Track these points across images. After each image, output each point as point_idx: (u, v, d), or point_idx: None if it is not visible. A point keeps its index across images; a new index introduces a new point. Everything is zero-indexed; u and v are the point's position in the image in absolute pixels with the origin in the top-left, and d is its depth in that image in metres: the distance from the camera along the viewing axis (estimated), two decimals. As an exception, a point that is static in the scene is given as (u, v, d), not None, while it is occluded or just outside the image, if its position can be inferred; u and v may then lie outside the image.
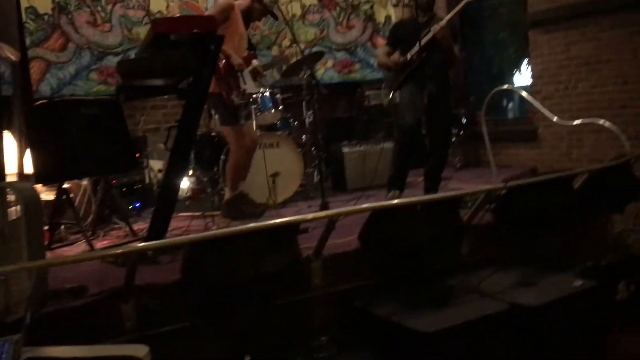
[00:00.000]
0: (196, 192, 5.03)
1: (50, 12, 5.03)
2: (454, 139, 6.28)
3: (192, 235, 2.75)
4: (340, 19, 6.87)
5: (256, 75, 4.27)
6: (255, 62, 4.64)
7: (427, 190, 4.15)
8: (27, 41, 4.92)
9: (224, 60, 3.85)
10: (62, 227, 3.85)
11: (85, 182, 4.22)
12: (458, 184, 5.20)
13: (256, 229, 2.43)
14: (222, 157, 4.67)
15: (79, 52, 5.18)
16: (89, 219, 4.06)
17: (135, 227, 4.02)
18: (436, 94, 4.03)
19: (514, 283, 3.04)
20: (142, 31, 5.33)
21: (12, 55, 2.80)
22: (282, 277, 2.57)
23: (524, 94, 4.82)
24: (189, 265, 2.45)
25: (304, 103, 5.36)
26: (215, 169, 4.83)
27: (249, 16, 4.24)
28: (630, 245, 5.12)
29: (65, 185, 3.75)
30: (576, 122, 4.82)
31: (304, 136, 5.49)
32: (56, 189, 3.64)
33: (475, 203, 3.16)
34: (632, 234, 5.15)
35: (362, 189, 4.89)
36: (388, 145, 5.09)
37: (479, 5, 6.97)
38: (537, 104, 4.54)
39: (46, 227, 3.59)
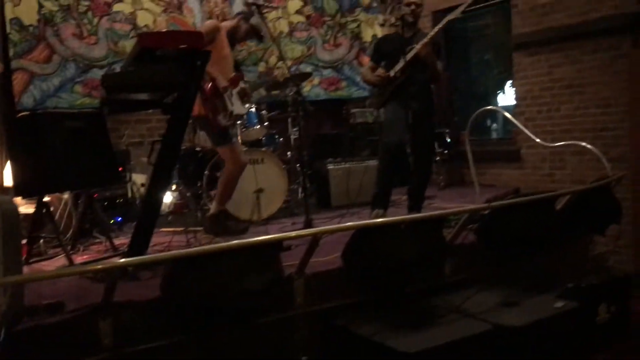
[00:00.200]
0: (179, 207, 5.01)
1: (35, 23, 4.99)
2: (438, 158, 6.33)
3: (173, 252, 2.72)
4: (328, 37, 6.92)
5: (244, 96, 4.27)
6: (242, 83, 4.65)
7: (411, 209, 4.16)
8: (11, 52, 4.88)
9: (210, 83, 3.85)
10: (42, 241, 3.78)
11: (66, 195, 4.16)
12: (442, 203, 5.23)
13: (238, 246, 2.41)
14: (206, 172, 4.65)
15: (64, 64, 5.14)
16: (69, 233, 3.99)
17: (117, 241, 3.97)
18: (420, 111, 4.05)
19: (496, 303, 3.05)
20: (129, 44, 5.32)
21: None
22: (264, 295, 2.53)
23: (507, 115, 4.88)
24: (169, 282, 2.42)
25: (289, 119, 5.37)
26: (199, 184, 4.81)
27: (235, 36, 4.25)
28: (611, 267, 5.16)
29: (46, 199, 3.69)
30: (558, 144, 4.88)
31: (289, 153, 5.49)
32: (36, 202, 3.58)
33: (459, 223, 3.17)
34: (613, 255, 5.20)
35: (347, 207, 4.89)
36: (373, 162, 5.11)
37: (464, 26, 7.08)
38: (520, 125, 4.59)
39: (25, 241, 3.53)
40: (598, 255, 4.75)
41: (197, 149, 4.92)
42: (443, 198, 5.57)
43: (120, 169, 4.88)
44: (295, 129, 5.21)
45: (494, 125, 7.11)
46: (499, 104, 6.92)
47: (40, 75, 5.04)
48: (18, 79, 4.92)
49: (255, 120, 4.93)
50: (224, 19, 5.22)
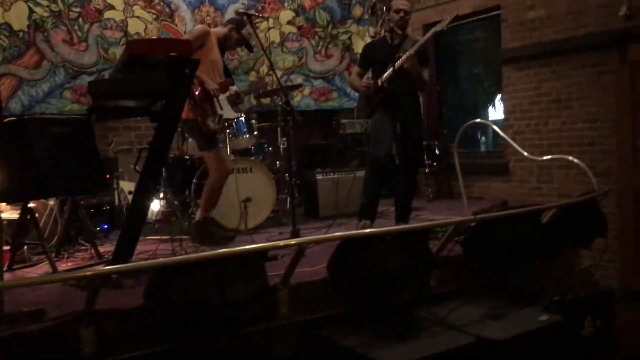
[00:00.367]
0: (166, 215, 4.97)
1: (25, 29, 4.97)
2: (427, 170, 6.36)
3: (155, 260, 2.70)
4: (319, 48, 6.94)
5: (235, 100, 4.27)
6: (233, 88, 4.64)
7: (398, 220, 4.16)
8: (0, 57, 4.87)
9: (199, 87, 3.85)
10: (25, 247, 3.74)
11: (52, 201, 4.13)
12: (430, 215, 5.24)
13: (222, 255, 2.39)
14: (195, 180, 4.64)
15: (54, 70, 5.12)
16: (54, 240, 3.96)
17: (103, 249, 3.95)
18: (408, 122, 4.05)
19: (481, 316, 3.05)
20: (119, 51, 5.30)
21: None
22: (248, 305, 2.52)
23: (495, 128, 4.91)
24: (152, 290, 2.40)
25: (279, 129, 5.37)
26: (187, 192, 4.79)
27: (225, 44, 4.26)
28: (597, 281, 5.18)
29: (31, 205, 3.66)
30: (545, 157, 4.91)
31: (278, 162, 5.49)
32: (21, 208, 3.55)
33: (445, 235, 3.17)
34: (599, 269, 5.22)
35: (335, 217, 4.88)
36: (361, 173, 5.11)
37: (455, 39, 7.13)
38: (507, 138, 4.62)
39: (8, 247, 3.50)
40: (584, 269, 4.77)
41: (186, 157, 4.91)
42: (431, 210, 5.59)
43: (107, 176, 4.87)
44: (284, 139, 5.21)
45: (483, 138, 7.15)
46: (490, 118, 6.97)
47: (29, 81, 5.02)
48: (6, 84, 4.89)
49: (245, 129, 4.92)
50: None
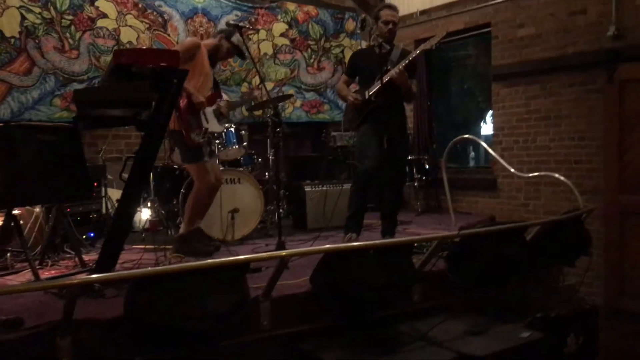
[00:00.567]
0: (154, 225, 4.96)
1: (17, 35, 4.98)
2: (416, 184, 6.38)
3: (135, 270, 2.69)
4: (312, 60, 6.99)
5: (220, 115, 4.27)
6: (225, 97, 4.65)
7: (384, 233, 4.16)
8: (-11, 63, 4.88)
9: (185, 99, 3.85)
10: (9, 254, 3.72)
11: (37, 209, 4.11)
12: (417, 229, 5.25)
13: (203, 266, 2.39)
14: (182, 190, 4.63)
15: (44, 77, 5.12)
16: (39, 247, 3.94)
17: (88, 257, 3.92)
18: (395, 135, 4.04)
19: (463, 332, 3.04)
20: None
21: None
22: (229, 317, 2.51)
23: (482, 144, 4.94)
24: (132, 300, 2.38)
25: (268, 140, 5.38)
26: (175, 202, 4.79)
27: (217, 55, 4.24)
28: (582, 298, 5.20)
29: (16, 211, 3.64)
30: (532, 174, 4.94)
31: (267, 173, 5.50)
32: (4, 215, 3.53)
33: (429, 250, 3.18)
34: (585, 286, 5.24)
35: (322, 229, 4.87)
36: (349, 186, 5.11)
37: (446, 55, 7.19)
38: (494, 154, 4.65)
39: (-9, 254, 3.48)
40: (569, 286, 4.78)
41: (174, 166, 4.91)
42: (419, 224, 5.60)
43: (95, 184, 4.86)
44: (273, 150, 5.21)
45: (473, 154, 7.20)
46: (482, 133, 7.02)
47: (19, 87, 5.02)
48: (-5, 91, 4.90)
49: (234, 140, 4.94)
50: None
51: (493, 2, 6.13)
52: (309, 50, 6.96)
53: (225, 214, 4.52)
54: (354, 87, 4.46)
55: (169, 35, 5.84)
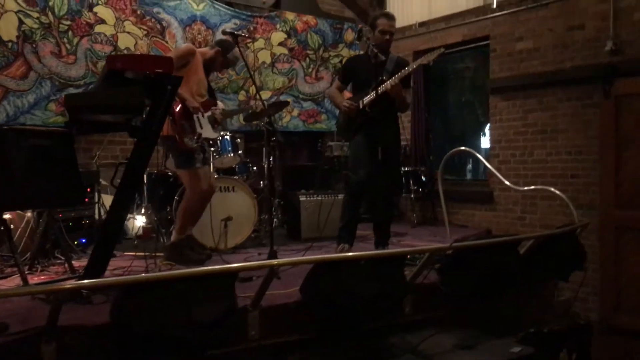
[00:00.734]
0: (147, 232, 4.93)
1: (14, 39, 4.97)
2: (412, 196, 6.36)
3: (122, 277, 2.66)
4: (310, 70, 6.99)
5: (214, 122, 4.26)
6: (221, 104, 4.63)
7: (377, 245, 4.14)
8: (-14, 67, 4.87)
9: (179, 105, 3.84)
10: (-2, 258, 3.70)
11: (29, 213, 4.08)
12: (412, 241, 5.23)
13: (190, 275, 2.36)
14: (176, 197, 4.61)
15: (40, 82, 5.10)
16: (29, 253, 3.91)
17: (78, 263, 3.90)
18: (387, 147, 4.00)
19: (453, 345, 3.02)
20: (108, 66, 5.30)
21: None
22: (216, 325, 2.48)
23: (479, 156, 4.93)
24: (119, 307, 2.35)
25: (264, 149, 5.37)
26: (168, 209, 4.76)
27: (211, 66, 4.26)
28: (577, 314, 5.17)
29: (7, 216, 3.62)
30: (527, 187, 4.93)
31: (261, 182, 5.48)
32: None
33: (421, 262, 3.15)
34: (580, 302, 5.22)
35: (316, 239, 4.85)
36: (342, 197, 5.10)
37: (444, 67, 7.20)
38: (490, 166, 4.64)
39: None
40: (564, 301, 4.76)
41: (169, 173, 4.89)
42: (414, 235, 5.58)
43: (88, 189, 4.84)
44: (269, 159, 5.20)
45: (471, 166, 7.17)
46: (481, 146, 7.01)
47: (15, 91, 5.00)
48: (-8, 94, 4.89)
49: (229, 148, 4.93)
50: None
51: (492, 15, 6.14)
52: (308, 59, 6.96)
53: (218, 222, 4.49)
54: (345, 94, 4.45)
55: (167, 42, 5.84)
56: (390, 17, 4.15)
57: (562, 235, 3.81)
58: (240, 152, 5.04)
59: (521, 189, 5.11)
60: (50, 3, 5.15)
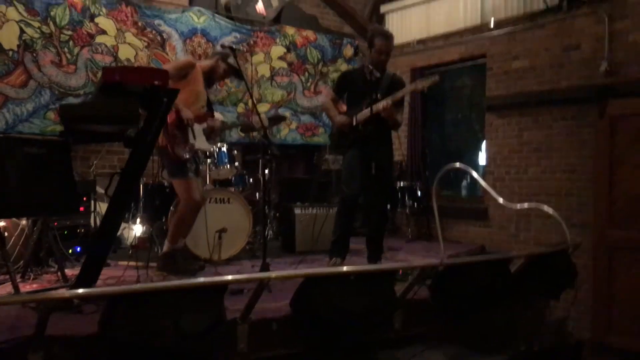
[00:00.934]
0: (142, 242, 4.94)
1: (15, 48, 5.02)
2: (407, 211, 6.37)
3: (111, 287, 2.67)
4: (308, 84, 7.04)
5: (210, 134, 4.28)
6: (220, 116, 4.66)
7: (370, 259, 4.14)
8: (-14, 75, 4.91)
9: (174, 115, 3.87)
10: (-9, 266, 3.70)
11: (24, 221, 4.10)
12: (406, 256, 5.24)
13: (178, 286, 2.38)
14: (172, 208, 4.63)
15: (39, 91, 5.14)
16: (22, 261, 3.92)
17: (72, 272, 3.89)
18: (380, 162, 4.01)
19: (441, 362, 3.02)
20: (108, 76, 5.34)
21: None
22: (203, 337, 2.49)
23: (473, 173, 4.94)
24: (107, 317, 2.37)
25: (260, 161, 5.39)
26: (164, 220, 4.78)
27: (213, 76, 4.27)
28: (570, 332, 5.16)
29: (1, 224, 3.64)
30: (519, 205, 4.94)
31: (257, 194, 5.50)
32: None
33: (411, 277, 3.16)
34: (573, 321, 5.21)
35: (310, 252, 4.86)
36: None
37: (442, 84, 7.23)
38: (483, 183, 4.64)
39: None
40: (556, 320, 4.75)
41: (165, 184, 4.92)
42: (408, 250, 5.58)
43: (85, 198, 4.86)
44: (264, 171, 5.22)
45: (468, 182, 7.19)
46: (479, 163, 7.03)
47: (14, 100, 5.04)
48: (-8, 102, 4.93)
49: (226, 160, 4.95)
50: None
51: (489, 34, 6.20)
52: (306, 74, 7.01)
53: (212, 234, 4.50)
54: (341, 106, 4.48)
55: (167, 54, 5.89)
56: (388, 37, 4.16)
57: (552, 253, 3.82)
58: (236, 163, 5.07)
59: (514, 206, 5.12)
60: (52, 13, 5.21)
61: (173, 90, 3.08)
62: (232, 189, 5.04)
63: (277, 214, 5.87)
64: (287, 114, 6.78)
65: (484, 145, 6.58)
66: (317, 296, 2.79)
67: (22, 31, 5.05)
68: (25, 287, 3.53)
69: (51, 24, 5.20)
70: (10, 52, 5.02)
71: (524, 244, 5.72)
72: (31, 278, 3.81)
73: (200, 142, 4.07)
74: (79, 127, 2.77)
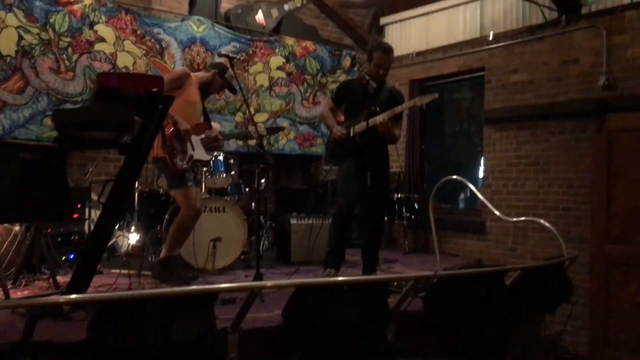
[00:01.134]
0: (136, 250, 4.92)
1: (13, 54, 5.02)
2: (405, 223, 6.35)
3: (100, 294, 2.65)
4: (307, 95, 7.04)
5: (211, 144, 4.27)
6: (218, 126, 4.66)
7: (365, 271, 4.12)
8: (-16, 80, 4.91)
9: (172, 128, 3.87)
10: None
11: (17, 227, 4.08)
12: (402, 268, 5.22)
13: (168, 294, 2.35)
14: (167, 216, 4.61)
15: (37, 97, 5.13)
16: (14, 267, 3.89)
17: (64, 279, 3.87)
18: (377, 174, 4.01)
19: (434, 375, 2.99)
20: (106, 83, 5.34)
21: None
22: (192, 345, 2.46)
23: (470, 186, 4.93)
24: (96, 324, 2.34)
25: (256, 171, 5.38)
26: (159, 228, 4.75)
27: (208, 89, 4.29)
28: (566, 347, 5.13)
29: (-7, 229, 3.62)
30: (516, 219, 4.93)
31: (253, 203, 5.48)
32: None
33: (405, 289, 3.14)
34: (570, 335, 5.18)
35: (305, 263, 4.83)
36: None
37: (441, 97, 7.22)
38: (480, 196, 4.63)
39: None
40: (552, 334, 4.72)
41: (160, 191, 4.90)
42: (404, 263, 5.56)
43: (79, 205, 4.84)
44: (261, 181, 5.21)
45: (465, 195, 7.17)
46: (478, 176, 7.01)
47: (12, 105, 5.03)
48: (-11, 107, 4.92)
49: (222, 169, 4.94)
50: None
51: (487, 47, 6.22)
52: (305, 84, 7.02)
53: (207, 242, 4.48)
54: (339, 115, 4.48)
55: (165, 62, 5.89)
56: (387, 52, 4.16)
57: (548, 267, 3.79)
58: (233, 172, 5.06)
59: (510, 219, 5.11)
60: (52, 20, 5.21)
61: (168, 97, 3.07)
62: (228, 198, 5.02)
63: (273, 224, 5.85)
64: (286, 124, 6.78)
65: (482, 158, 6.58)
66: (308, 306, 2.76)
67: (20, 37, 5.05)
68: (16, 294, 3.51)
69: (50, 30, 5.21)
70: (8, 58, 5.02)
71: (521, 258, 5.70)
72: (22, 284, 3.79)
73: (198, 153, 4.07)
74: (73, 133, 2.75)
